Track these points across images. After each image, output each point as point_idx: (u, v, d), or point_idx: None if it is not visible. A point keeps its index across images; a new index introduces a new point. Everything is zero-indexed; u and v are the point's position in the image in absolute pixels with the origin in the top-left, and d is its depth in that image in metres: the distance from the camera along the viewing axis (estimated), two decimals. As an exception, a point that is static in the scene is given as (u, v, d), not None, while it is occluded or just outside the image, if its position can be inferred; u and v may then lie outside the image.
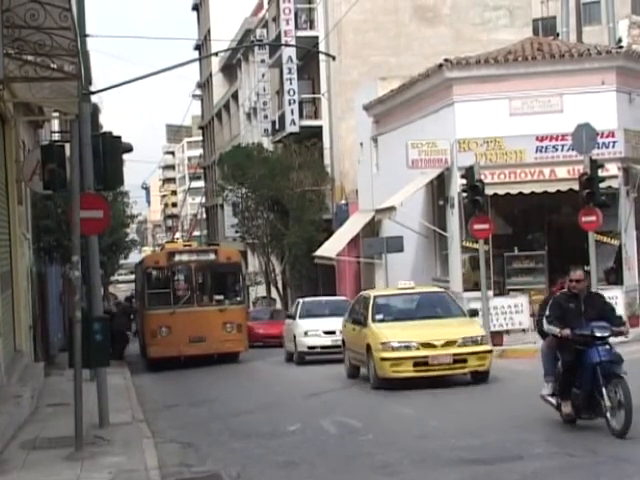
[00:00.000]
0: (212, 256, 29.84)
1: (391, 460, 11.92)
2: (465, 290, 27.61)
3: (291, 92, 46.83)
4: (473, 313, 20.90)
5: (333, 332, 26.01)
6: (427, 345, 18.53)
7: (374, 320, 19.81)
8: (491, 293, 25.98)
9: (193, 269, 29.28)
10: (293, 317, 28.65)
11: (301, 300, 30.61)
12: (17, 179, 20.58)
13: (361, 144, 38.38)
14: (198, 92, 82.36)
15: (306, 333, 27.08)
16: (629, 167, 27.83)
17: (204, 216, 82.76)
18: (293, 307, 30.77)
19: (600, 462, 10.97)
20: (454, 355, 18.50)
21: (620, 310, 25.29)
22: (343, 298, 31.52)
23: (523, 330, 24.87)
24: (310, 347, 26.99)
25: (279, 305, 47.99)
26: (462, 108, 28.14)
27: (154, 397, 21.15)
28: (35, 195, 24.83)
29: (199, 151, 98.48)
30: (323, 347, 26.71)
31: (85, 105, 16.08)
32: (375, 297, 20.88)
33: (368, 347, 19.19)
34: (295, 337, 27.42)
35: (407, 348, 18.55)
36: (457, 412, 15.65)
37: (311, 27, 47.55)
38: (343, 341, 22.12)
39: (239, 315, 29.30)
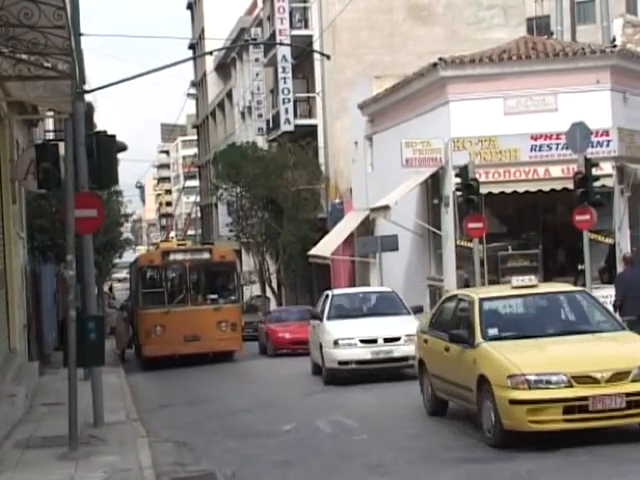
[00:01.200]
0: (206, 255, 29.85)
1: (386, 460, 11.93)
2: (459, 289, 27.58)
3: (285, 91, 46.82)
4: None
5: (374, 341, 20.52)
6: (584, 379, 11.96)
7: (487, 337, 13.29)
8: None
9: (187, 268, 29.28)
10: (320, 318, 22.17)
11: (330, 293, 23.52)
12: (11, 178, 20.55)
13: (356, 143, 38.36)
14: (193, 91, 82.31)
15: (336, 343, 20.54)
16: (623, 166, 27.84)
17: (198, 215, 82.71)
18: (319, 302, 23.92)
19: (595, 461, 10.98)
20: (627, 395, 11.88)
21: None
22: (388, 289, 24.60)
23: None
24: (342, 362, 20.49)
25: (274, 304, 47.95)
26: (456, 107, 28.13)
27: (149, 396, 21.14)
28: (29, 194, 24.81)
29: (194, 150, 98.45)
30: (360, 362, 20.44)
31: (79, 104, 16.06)
32: (482, 300, 14.06)
33: (482, 381, 12.68)
34: (322, 347, 21.14)
35: (552, 384, 12.01)
36: (451, 411, 15.64)
37: (305, 26, 47.52)
38: (420, 362, 15.74)
39: (234, 314, 29.30)
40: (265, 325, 32.94)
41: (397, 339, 20.56)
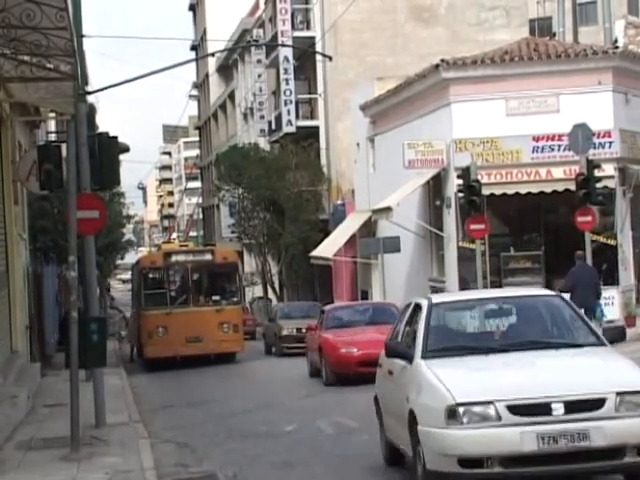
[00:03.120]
0: (208, 256, 29.85)
1: (387, 460, 11.91)
2: (461, 290, 27.59)
3: (287, 92, 46.83)
4: None
5: (545, 408, 8.97)
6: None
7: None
8: (488, 293, 25.92)
9: (189, 269, 29.28)
10: (404, 355, 10.65)
11: (422, 303, 11.14)
12: (13, 179, 20.56)
13: (357, 144, 38.37)
14: (195, 92, 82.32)
15: (453, 414, 9.01)
16: (625, 167, 27.84)
17: (200, 216, 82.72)
18: (397, 320, 12.94)
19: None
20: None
21: (616, 310, 25.38)
22: (543, 293, 12.37)
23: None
24: (467, 460, 8.97)
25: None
26: (458, 108, 28.14)
27: (150, 397, 21.15)
28: (31, 195, 24.81)
29: (196, 151, 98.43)
30: (514, 460, 8.93)
31: (81, 105, 16.07)
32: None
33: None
34: (413, 418, 9.74)
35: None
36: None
37: (307, 27, 47.53)
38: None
39: (235, 315, 29.30)
40: (318, 334, 22.96)
41: (597, 403, 9.09)
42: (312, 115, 47.68)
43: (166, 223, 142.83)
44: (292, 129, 46.72)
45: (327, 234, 40.97)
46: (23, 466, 12.28)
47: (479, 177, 25.02)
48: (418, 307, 10.99)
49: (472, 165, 25.01)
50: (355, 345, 20.89)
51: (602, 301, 22.79)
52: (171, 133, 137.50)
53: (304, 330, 27.17)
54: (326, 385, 20.96)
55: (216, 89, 74.17)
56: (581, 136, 23.99)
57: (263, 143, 52.02)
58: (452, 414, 8.86)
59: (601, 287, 22.39)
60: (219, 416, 17.13)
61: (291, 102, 46.77)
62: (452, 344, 10.32)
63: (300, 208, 44.57)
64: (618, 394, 8.92)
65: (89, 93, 19.76)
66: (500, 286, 27.87)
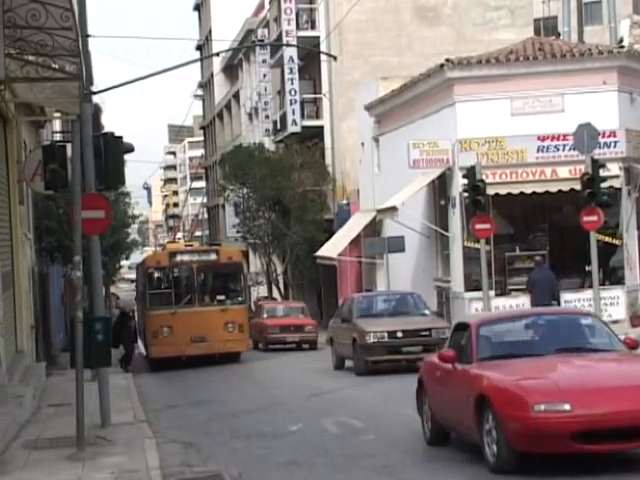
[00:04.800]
0: (213, 256, 29.86)
1: (392, 461, 11.92)
2: (466, 290, 27.60)
3: (292, 92, 46.83)
4: None
5: None
6: None
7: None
8: (492, 293, 25.94)
9: (194, 269, 29.29)
10: None
11: None
12: (19, 179, 20.59)
13: (362, 144, 38.36)
14: (199, 92, 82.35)
15: None
16: (631, 167, 27.82)
17: (205, 216, 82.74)
18: None
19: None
20: None
21: (622, 310, 25.35)
22: None
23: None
24: None
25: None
26: (463, 108, 28.13)
27: (155, 397, 21.16)
28: (36, 195, 24.84)
29: (200, 151, 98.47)
30: None
31: (86, 105, 16.09)
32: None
33: None
34: None
35: None
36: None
37: (312, 27, 47.51)
38: None
39: (241, 315, 29.32)
40: (462, 370, 11.85)
41: None
42: (317, 115, 47.67)
43: (171, 223, 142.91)
44: (297, 129, 46.72)
45: (332, 234, 40.97)
46: (29, 465, 12.29)
47: (484, 177, 25.01)
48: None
49: (477, 165, 25.00)
50: (566, 396, 10.26)
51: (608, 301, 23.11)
52: (176, 133, 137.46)
53: (400, 334, 22.54)
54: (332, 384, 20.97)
55: (221, 89, 74.19)
56: (586, 136, 23.96)
57: (268, 143, 52.02)
58: None
59: (559, 290, 24.33)
60: (224, 416, 17.13)
61: (296, 102, 46.76)
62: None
63: (305, 208, 44.57)
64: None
65: (94, 93, 19.76)
66: (505, 286, 27.93)
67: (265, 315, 36.34)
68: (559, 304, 23.73)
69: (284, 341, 34.55)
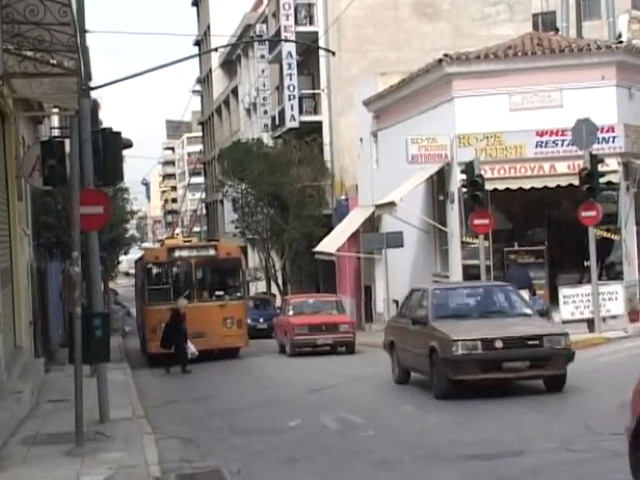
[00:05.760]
0: (212, 252, 29.84)
1: (392, 456, 11.92)
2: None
3: (291, 87, 46.80)
4: None
5: None
6: None
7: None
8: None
9: (193, 265, 29.27)
10: None
11: None
12: (17, 175, 20.56)
13: (361, 139, 38.36)
14: (198, 88, 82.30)
15: None
16: (629, 162, 27.82)
17: (204, 212, 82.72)
18: None
19: (600, 457, 10.97)
20: None
21: (620, 305, 25.36)
22: None
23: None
24: None
25: (279, 302, 47.94)
26: (462, 103, 28.12)
27: (154, 393, 21.15)
28: (35, 191, 24.82)
29: (199, 147, 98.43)
30: None
31: (85, 101, 16.07)
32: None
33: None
34: None
35: None
36: (456, 408, 15.63)
37: (311, 22, 47.48)
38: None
39: (239, 310, 29.30)
40: None
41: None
42: (315, 110, 47.65)
43: (169, 218, 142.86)
44: (295, 124, 46.70)
45: (330, 229, 40.96)
46: (28, 461, 12.29)
47: (482, 172, 25.02)
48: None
49: (475, 160, 25.01)
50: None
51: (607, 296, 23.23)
52: (174, 128, 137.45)
53: (499, 345, 16.31)
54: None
55: (219, 84, 74.16)
56: (585, 131, 23.98)
57: (266, 138, 52.00)
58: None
59: (533, 284, 25.56)
60: (223, 411, 17.12)
61: (294, 97, 46.74)
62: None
63: (303, 203, 44.57)
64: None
65: (92, 89, 19.77)
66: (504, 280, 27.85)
67: (291, 312, 30.53)
68: (534, 295, 24.91)
69: (314, 343, 28.84)
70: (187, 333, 26.45)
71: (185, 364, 25.74)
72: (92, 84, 20.53)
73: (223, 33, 58.82)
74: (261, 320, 40.56)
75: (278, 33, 47.35)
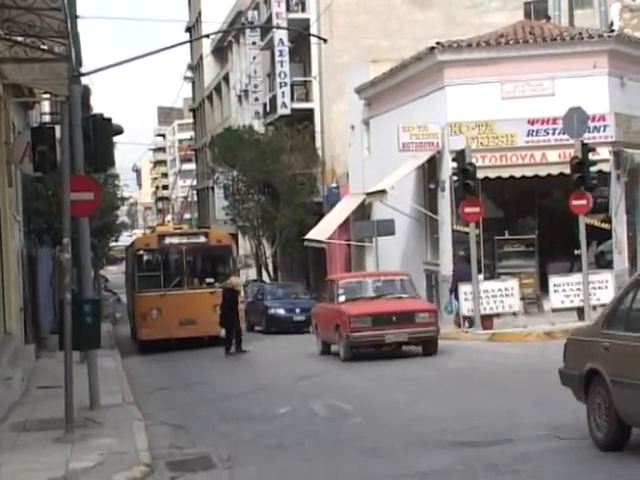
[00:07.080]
0: (203, 239, 29.83)
1: (382, 443, 11.94)
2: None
3: (282, 75, 46.72)
4: None
5: None
6: None
7: None
8: (481, 277, 26.00)
9: (184, 252, 29.24)
10: None
11: None
12: (7, 161, 20.52)
13: (352, 127, 38.32)
14: (189, 74, 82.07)
15: None
16: (620, 151, 27.86)
17: (195, 199, 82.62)
18: None
19: (588, 445, 10.99)
20: None
21: (610, 294, 25.41)
22: None
23: (513, 313, 24.91)
24: None
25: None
26: (453, 91, 28.12)
27: (145, 380, 21.15)
28: (25, 177, 24.77)
29: (190, 133, 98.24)
30: None
31: (75, 87, 16.02)
32: None
33: None
34: None
35: None
36: (446, 396, 15.67)
37: (302, 9, 47.39)
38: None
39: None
40: None
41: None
42: (307, 97, 47.58)
43: (160, 205, 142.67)
44: (287, 111, 46.62)
45: (321, 217, 40.96)
46: (18, 447, 12.30)
47: (474, 160, 25.01)
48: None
49: (467, 148, 25.00)
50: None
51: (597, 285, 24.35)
52: (166, 115, 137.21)
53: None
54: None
55: (211, 71, 73.95)
56: (576, 119, 23.98)
57: (258, 125, 51.92)
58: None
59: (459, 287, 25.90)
60: (213, 398, 17.14)
61: (286, 84, 46.65)
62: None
63: (294, 191, 44.53)
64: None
65: (83, 75, 19.66)
66: (494, 270, 28.00)
67: (342, 298, 22.45)
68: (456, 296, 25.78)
69: (381, 342, 21.40)
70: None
71: (240, 344, 25.88)
72: (83, 70, 20.44)
73: (214, 19, 58.61)
74: (297, 311, 33.75)
75: (270, 20, 47.24)
